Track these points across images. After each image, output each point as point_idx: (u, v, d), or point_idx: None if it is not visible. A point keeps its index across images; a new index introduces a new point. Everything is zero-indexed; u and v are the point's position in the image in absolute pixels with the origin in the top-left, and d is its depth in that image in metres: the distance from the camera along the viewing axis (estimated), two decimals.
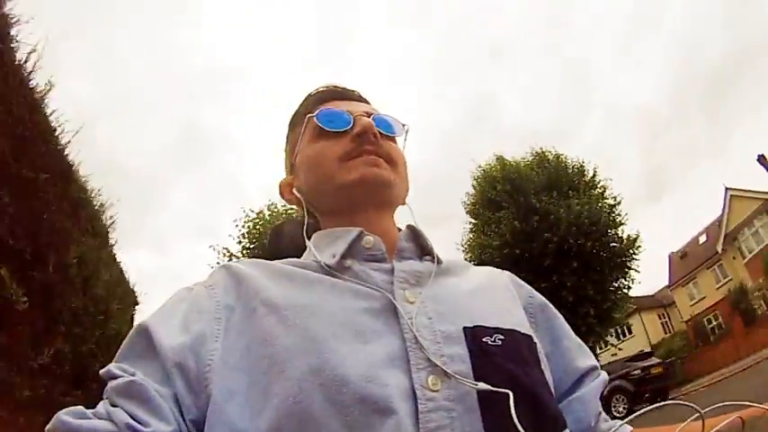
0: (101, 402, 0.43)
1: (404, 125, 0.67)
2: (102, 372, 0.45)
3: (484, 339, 0.49)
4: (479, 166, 14.30)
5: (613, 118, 78.00)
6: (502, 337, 0.50)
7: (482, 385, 0.44)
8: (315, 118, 0.62)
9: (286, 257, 0.59)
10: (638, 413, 0.49)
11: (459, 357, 0.47)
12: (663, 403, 0.48)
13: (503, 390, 0.43)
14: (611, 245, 13.00)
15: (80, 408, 0.41)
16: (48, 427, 0.40)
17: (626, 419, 0.50)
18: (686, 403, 0.46)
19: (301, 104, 0.68)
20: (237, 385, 0.44)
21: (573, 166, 14.11)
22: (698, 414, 0.45)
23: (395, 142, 0.65)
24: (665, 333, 22.81)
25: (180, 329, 0.47)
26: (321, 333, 0.46)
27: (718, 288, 20.27)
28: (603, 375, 0.61)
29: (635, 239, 13.61)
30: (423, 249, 0.61)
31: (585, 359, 0.62)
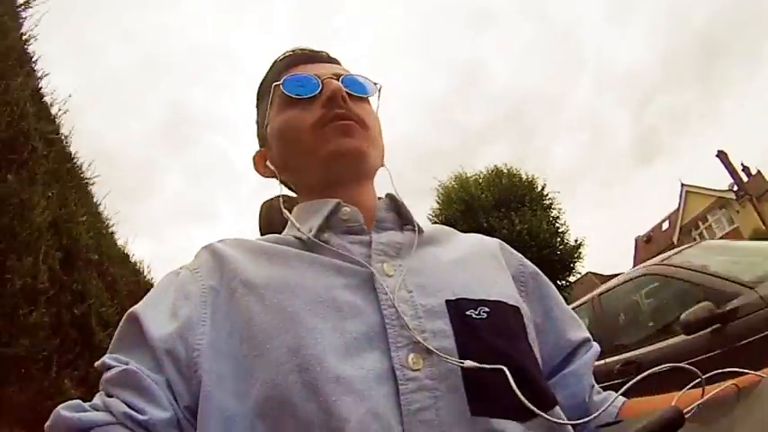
0: (97, 394, 0.43)
1: (376, 84, 0.64)
2: (97, 364, 0.45)
3: (468, 313, 0.47)
4: (440, 184, 16.31)
5: (603, 83, 77.34)
6: (487, 309, 0.48)
7: (469, 363, 0.42)
8: (281, 86, 0.59)
9: (279, 231, 0.59)
10: (635, 379, 0.46)
11: (443, 333, 0.45)
12: (661, 367, 0.45)
13: (497, 366, 0.42)
14: (551, 255, 15.09)
15: (77, 401, 0.42)
16: (48, 423, 0.40)
17: (622, 389, 0.48)
18: (687, 367, 0.44)
19: (268, 72, 0.66)
20: (225, 369, 0.44)
21: (525, 181, 16.03)
22: (698, 380, 0.43)
23: (368, 103, 0.63)
24: None
25: (168, 316, 0.47)
26: (298, 312, 0.45)
27: None
28: (596, 347, 0.59)
29: (579, 245, 15.72)
30: (404, 218, 0.59)
31: (578, 331, 0.60)
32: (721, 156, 20.94)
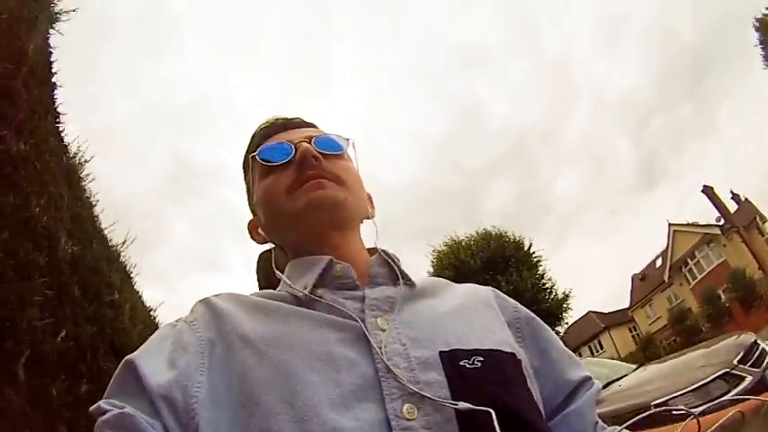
0: None
1: (348, 139, 0.67)
2: (91, 409, 0.45)
3: (461, 363, 0.49)
4: (434, 250, 17.79)
5: (600, 110, 77.86)
6: (481, 358, 0.50)
7: (463, 404, 0.44)
8: (257, 156, 0.63)
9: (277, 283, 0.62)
10: (632, 420, 0.48)
11: (437, 383, 0.47)
12: (657, 409, 0.47)
13: (483, 408, 0.43)
14: (538, 311, 16.37)
15: None
16: None
17: (621, 427, 0.49)
18: (681, 407, 0.46)
19: (249, 145, 0.69)
20: (222, 418, 0.44)
21: (512, 242, 17.43)
22: (693, 416, 0.43)
23: (343, 159, 0.66)
24: (637, 345, 25.29)
25: (166, 365, 0.48)
26: (294, 365, 0.46)
27: (669, 309, 23.13)
28: (597, 384, 0.60)
29: (566, 297, 16.98)
30: (396, 273, 0.61)
31: (577, 370, 0.61)
32: (707, 191, 21.75)
